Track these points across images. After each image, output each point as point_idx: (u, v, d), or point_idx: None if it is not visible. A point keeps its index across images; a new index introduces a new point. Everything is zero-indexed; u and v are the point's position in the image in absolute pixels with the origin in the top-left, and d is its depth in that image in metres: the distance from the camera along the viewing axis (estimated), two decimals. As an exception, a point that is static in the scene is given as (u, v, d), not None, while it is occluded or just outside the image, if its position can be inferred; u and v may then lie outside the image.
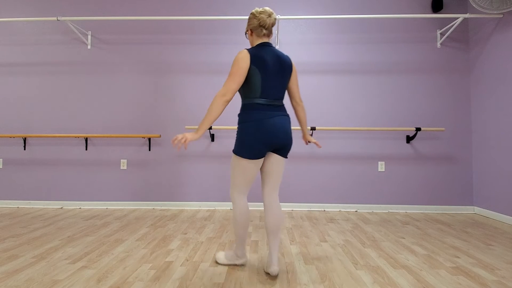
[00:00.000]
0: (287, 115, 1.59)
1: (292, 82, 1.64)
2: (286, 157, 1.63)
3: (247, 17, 3.05)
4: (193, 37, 3.39)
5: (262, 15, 1.53)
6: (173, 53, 3.38)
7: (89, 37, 3.40)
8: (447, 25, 3.31)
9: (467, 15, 2.90)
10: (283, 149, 1.57)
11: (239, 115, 1.57)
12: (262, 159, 1.56)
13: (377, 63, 3.32)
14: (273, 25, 1.56)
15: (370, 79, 3.31)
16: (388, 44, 3.32)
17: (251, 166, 1.54)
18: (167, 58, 3.38)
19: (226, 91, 1.46)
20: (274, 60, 1.52)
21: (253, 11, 1.56)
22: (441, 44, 3.30)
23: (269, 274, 1.60)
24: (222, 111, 1.51)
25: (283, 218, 1.57)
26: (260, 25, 1.54)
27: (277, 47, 3.34)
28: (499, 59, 2.89)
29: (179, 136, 1.41)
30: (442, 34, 3.30)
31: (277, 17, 2.98)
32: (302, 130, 1.81)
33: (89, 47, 3.41)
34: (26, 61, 3.42)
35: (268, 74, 1.50)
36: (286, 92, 3.43)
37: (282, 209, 3.07)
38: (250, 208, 3.25)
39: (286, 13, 3.37)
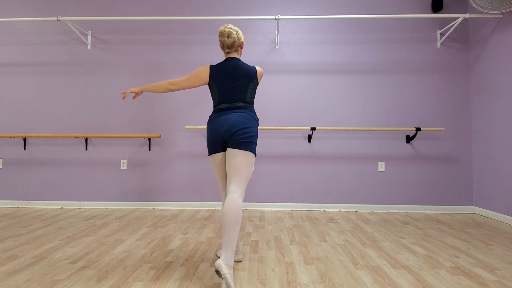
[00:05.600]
0: (241, 111, 1.65)
1: (260, 79, 1.80)
2: (239, 149, 1.58)
3: (248, 17, 3.06)
4: (193, 37, 3.39)
5: (222, 38, 1.69)
6: (173, 53, 3.38)
7: (89, 37, 3.40)
8: (447, 25, 3.31)
9: (467, 15, 2.90)
10: (229, 140, 1.61)
11: None
12: (220, 154, 1.67)
13: (377, 63, 3.32)
14: (232, 44, 1.70)
15: (370, 79, 3.31)
16: (388, 44, 3.32)
17: (214, 161, 1.70)
18: (167, 58, 3.38)
19: (177, 83, 1.72)
20: (233, 71, 1.69)
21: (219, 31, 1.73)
22: (441, 44, 3.30)
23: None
24: (162, 92, 1.77)
25: (236, 214, 1.46)
26: (223, 45, 1.72)
27: (277, 47, 3.34)
28: (499, 60, 2.89)
29: (126, 90, 1.79)
30: (442, 34, 3.30)
31: (277, 17, 3.00)
32: None
33: (89, 47, 3.41)
34: (26, 61, 3.42)
35: (224, 84, 1.68)
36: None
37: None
38: (250, 208, 3.25)
39: (286, 13, 3.37)
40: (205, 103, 3.34)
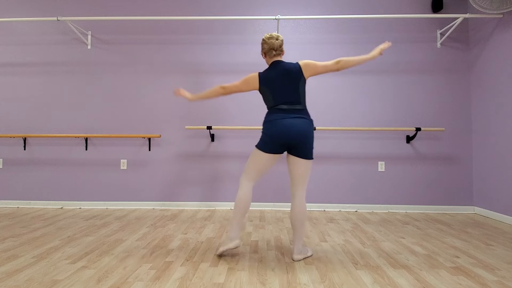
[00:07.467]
0: (304, 117, 1.77)
1: (312, 71, 1.81)
2: (305, 158, 1.76)
3: (248, 17, 3.05)
4: (194, 37, 3.39)
5: (271, 40, 1.82)
6: (173, 53, 3.38)
7: (89, 37, 3.40)
8: (447, 25, 3.31)
9: (467, 15, 2.90)
10: (295, 148, 1.75)
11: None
12: (276, 155, 1.81)
13: (377, 63, 3.32)
14: (280, 45, 1.83)
15: (370, 79, 3.31)
16: (388, 44, 3.32)
17: (264, 158, 1.80)
18: (167, 58, 3.38)
19: (228, 87, 1.87)
20: (280, 74, 1.79)
21: (263, 37, 1.86)
22: (441, 44, 3.30)
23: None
24: (214, 97, 1.93)
25: (304, 214, 1.80)
26: (270, 48, 1.83)
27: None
28: (499, 59, 2.89)
29: (181, 90, 1.98)
30: (442, 34, 3.30)
31: (277, 17, 3.00)
32: (364, 59, 1.75)
33: (89, 47, 3.41)
34: (26, 61, 3.42)
35: (276, 87, 1.79)
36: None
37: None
38: (253, 208, 3.25)
39: (286, 13, 3.37)
40: (205, 104, 3.34)
